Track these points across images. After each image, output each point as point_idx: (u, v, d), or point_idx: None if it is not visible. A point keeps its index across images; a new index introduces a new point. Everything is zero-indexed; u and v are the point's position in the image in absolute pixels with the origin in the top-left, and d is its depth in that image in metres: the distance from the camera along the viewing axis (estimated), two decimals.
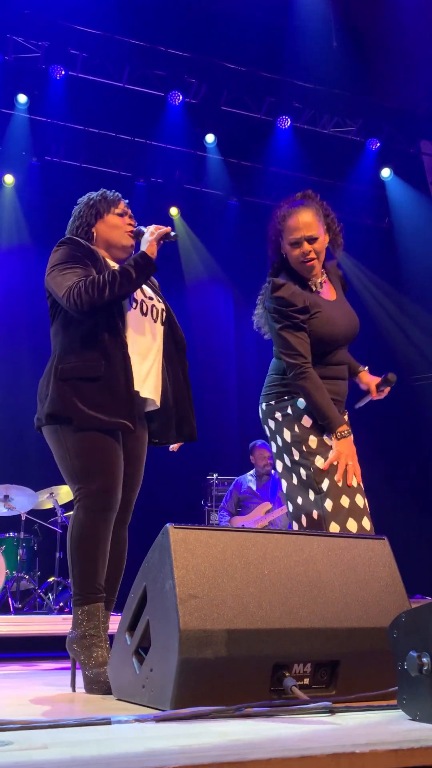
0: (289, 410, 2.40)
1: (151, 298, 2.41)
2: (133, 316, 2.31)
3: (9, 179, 7.17)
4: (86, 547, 2.09)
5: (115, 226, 2.42)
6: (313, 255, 2.42)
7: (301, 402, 2.38)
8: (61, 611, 4.79)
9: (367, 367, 2.70)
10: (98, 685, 1.96)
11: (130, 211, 2.47)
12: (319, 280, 2.48)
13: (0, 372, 6.74)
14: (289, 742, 1.10)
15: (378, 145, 7.61)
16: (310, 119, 7.35)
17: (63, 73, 6.58)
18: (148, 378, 2.32)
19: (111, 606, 2.26)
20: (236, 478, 5.76)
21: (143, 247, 2.29)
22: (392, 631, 1.43)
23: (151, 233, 2.31)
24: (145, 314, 2.36)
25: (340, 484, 2.31)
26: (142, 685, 1.63)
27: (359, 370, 2.67)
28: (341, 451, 2.31)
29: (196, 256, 7.97)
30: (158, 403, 2.36)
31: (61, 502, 5.70)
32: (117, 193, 2.47)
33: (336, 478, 2.30)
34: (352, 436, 2.35)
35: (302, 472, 2.34)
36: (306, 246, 2.41)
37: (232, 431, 7.45)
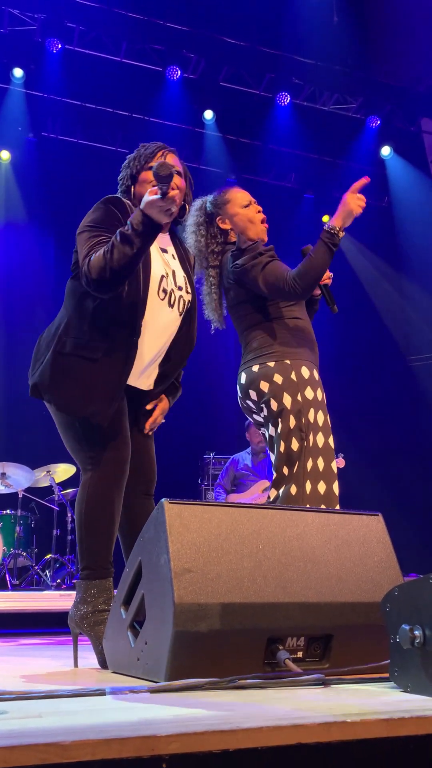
0: (294, 376, 2.32)
1: (180, 288, 2.20)
2: (160, 309, 2.13)
3: (5, 155, 7.11)
4: (101, 518, 1.98)
5: (146, 182, 2.09)
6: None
7: (305, 371, 2.35)
8: (58, 588, 4.84)
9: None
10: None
11: (169, 157, 2.15)
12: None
13: None
14: (281, 711, 1.11)
15: (378, 122, 7.55)
16: (309, 96, 7.28)
17: (59, 46, 6.49)
18: (152, 372, 2.21)
19: None
20: (232, 456, 5.77)
21: (141, 205, 1.92)
22: (385, 605, 1.44)
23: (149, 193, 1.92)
24: (172, 306, 2.17)
25: (321, 467, 2.30)
26: (136, 657, 1.65)
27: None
28: (350, 208, 2.28)
29: None
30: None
31: (58, 480, 5.72)
32: (158, 143, 2.19)
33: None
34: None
35: (294, 443, 2.29)
36: (262, 214, 2.53)
37: (229, 410, 7.45)
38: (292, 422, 2.29)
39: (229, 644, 1.55)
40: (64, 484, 5.82)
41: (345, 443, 6.43)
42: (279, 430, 2.31)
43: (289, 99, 7.21)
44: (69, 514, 5.66)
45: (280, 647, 1.61)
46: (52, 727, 0.99)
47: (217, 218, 2.57)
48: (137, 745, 0.89)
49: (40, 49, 6.53)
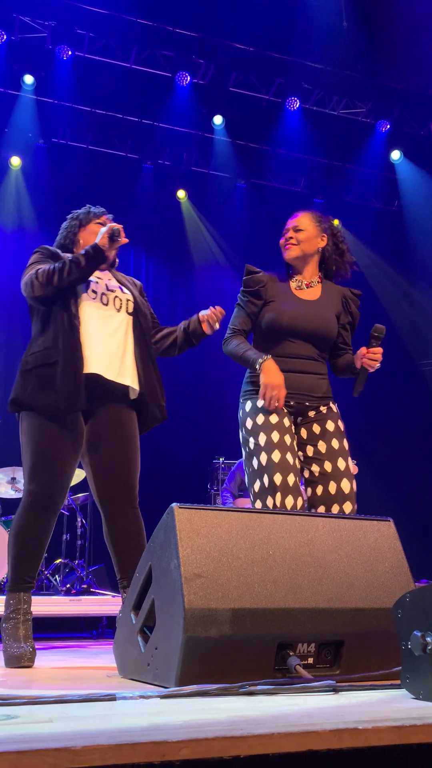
0: (240, 412, 2.58)
1: (112, 290, 2.53)
2: (92, 306, 2.46)
3: (16, 161, 7.14)
4: (19, 543, 2.27)
5: (94, 232, 2.58)
6: (293, 240, 2.65)
7: (248, 405, 2.55)
8: (67, 593, 4.84)
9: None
10: (10, 660, 2.15)
11: (111, 222, 2.62)
12: (305, 282, 2.67)
13: (3, 354, 6.75)
14: (292, 718, 1.11)
15: (388, 127, 7.53)
16: (319, 101, 7.27)
17: (70, 53, 6.53)
18: (115, 362, 2.43)
19: None
20: (240, 460, 5.76)
21: (97, 239, 2.43)
22: (396, 611, 1.43)
23: (104, 228, 2.45)
24: (106, 304, 2.50)
25: (278, 482, 2.39)
26: (147, 663, 1.64)
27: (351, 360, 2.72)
28: (265, 382, 2.44)
29: (203, 238, 7.94)
30: (137, 390, 2.47)
31: None
32: (102, 208, 2.67)
33: (260, 404, 2.48)
34: (270, 359, 2.48)
35: (254, 463, 2.48)
36: (290, 233, 2.67)
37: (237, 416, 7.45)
38: (252, 443, 2.49)
39: (240, 650, 1.55)
40: (73, 489, 5.82)
41: (355, 448, 6.40)
42: (245, 453, 2.54)
43: (298, 104, 7.21)
44: (79, 519, 5.66)
45: (291, 653, 1.61)
46: (62, 732, 0.99)
47: None
48: (148, 750, 0.89)
49: (50, 56, 6.56)
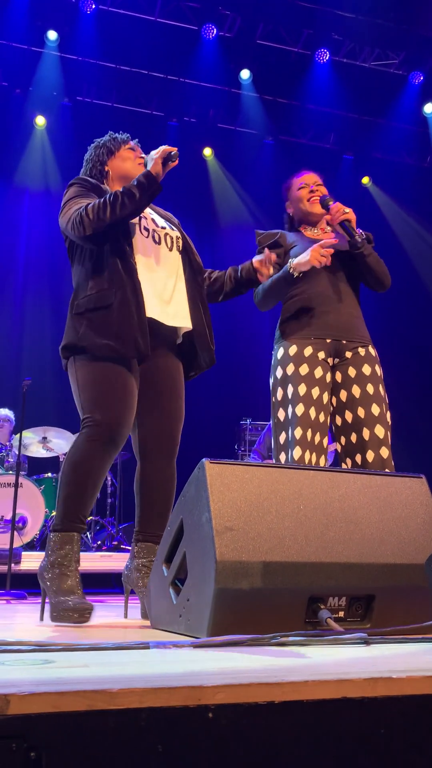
0: (280, 354, 2.54)
1: (163, 228, 2.39)
2: (146, 244, 2.30)
3: (40, 121, 7.08)
4: (77, 475, 2.05)
5: (128, 158, 2.45)
6: (319, 194, 2.68)
7: (280, 352, 2.54)
8: (98, 549, 4.93)
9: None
10: (63, 613, 1.93)
11: (139, 148, 2.51)
12: (321, 227, 2.71)
13: (34, 316, 6.79)
14: (325, 667, 1.11)
15: (421, 78, 7.28)
16: (349, 52, 7.04)
17: (93, 6, 6.39)
18: (171, 305, 2.29)
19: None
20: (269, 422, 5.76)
21: (148, 166, 2.22)
22: (430, 566, 1.42)
23: (156, 153, 2.22)
24: (158, 243, 2.34)
25: (298, 436, 2.40)
26: (178, 614, 1.67)
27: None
28: (307, 260, 2.46)
29: (230, 196, 7.83)
30: (189, 328, 2.34)
31: None
32: (126, 134, 2.52)
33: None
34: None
35: (281, 413, 2.50)
36: (314, 186, 2.70)
37: (265, 377, 7.42)
38: (279, 394, 2.50)
39: (271, 602, 1.56)
40: None
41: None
42: (272, 402, 2.54)
43: (328, 56, 6.99)
44: (109, 478, 5.74)
45: (322, 606, 1.61)
46: (99, 675, 1.01)
47: (288, 201, 2.80)
48: (185, 694, 0.90)
49: (74, 9, 6.44)
